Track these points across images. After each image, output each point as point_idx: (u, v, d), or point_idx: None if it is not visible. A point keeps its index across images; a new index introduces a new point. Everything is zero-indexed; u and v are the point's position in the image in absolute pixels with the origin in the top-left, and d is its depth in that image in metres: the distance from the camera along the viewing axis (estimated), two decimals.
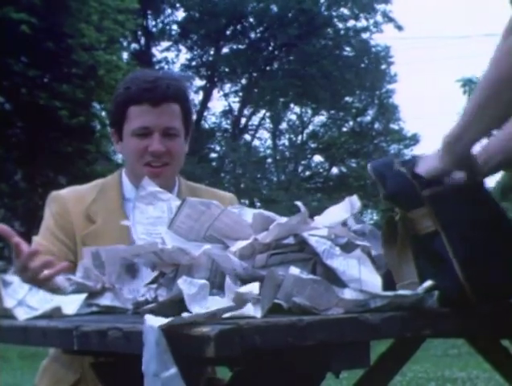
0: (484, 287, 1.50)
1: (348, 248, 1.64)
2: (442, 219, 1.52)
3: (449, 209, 1.52)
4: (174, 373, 1.23)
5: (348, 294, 1.48)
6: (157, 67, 27.23)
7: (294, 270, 1.47)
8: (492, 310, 1.55)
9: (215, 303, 1.40)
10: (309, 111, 30.72)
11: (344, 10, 29.00)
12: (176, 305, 1.47)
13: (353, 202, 1.76)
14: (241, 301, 1.37)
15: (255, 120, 30.40)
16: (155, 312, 1.55)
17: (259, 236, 1.68)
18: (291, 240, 1.65)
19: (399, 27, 28.37)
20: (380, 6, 28.58)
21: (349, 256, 1.57)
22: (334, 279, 1.54)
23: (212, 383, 2.20)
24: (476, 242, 1.52)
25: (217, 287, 1.58)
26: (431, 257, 1.53)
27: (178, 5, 28.66)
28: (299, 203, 1.73)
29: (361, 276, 1.52)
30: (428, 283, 1.46)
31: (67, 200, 2.30)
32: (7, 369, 9.31)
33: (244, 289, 1.43)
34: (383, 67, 29.71)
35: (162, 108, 2.26)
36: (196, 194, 2.38)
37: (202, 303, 1.39)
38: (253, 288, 1.41)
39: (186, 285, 1.42)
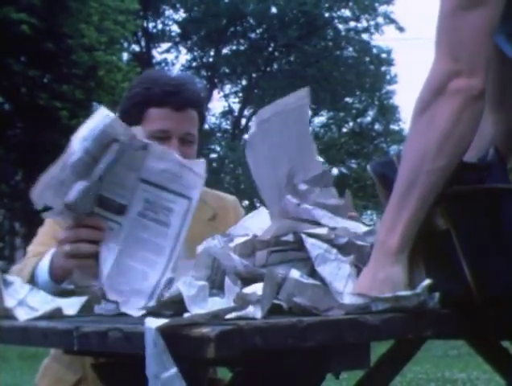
0: (491, 288, 1.50)
1: (348, 248, 1.64)
2: (454, 219, 1.51)
3: (463, 209, 1.52)
4: (174, 373, 1.22)
5: (347, 299, 1.48)
6: (157, 68, 27.22)
7: (294, 273, 1.47)
8: (492, 311, 1.55)
9: (215, 304, 1.40)
10: (309, 111, 30.70)
11: (346, 12, 29.03)
12: (177, 304, 1.47)
13: None
14: (243, 301, 1.37)
15: None
16: (157, 311, 1.55)
17: (258, 233, 1.68)
18: (290, 237, 1.64)
19: (400, 29, 28.42)
20: (381, 8, 28.61)
21: (344, 261, 1.57)
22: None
23: (213, 384, 2.21)
24: (487, 243, 1.51)
25: (218, 287, 1.58)
26: (439, 257, 1.52)
27: (178, 5, 28.66)
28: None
29: (345, 290, 1.51)
30: (427, 281, 1.45)
31: None
32: (7, 369, 9.31)
33: (247, 289, 1.42)
34: (383, 68, 29.73)
35: (183, 113, 2.24)
36: (200, 195, 2.39)
37: (202, 305, 1.39)
38: (257, 289, 1.40)
39: (185, 287, 1.42)
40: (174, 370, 1.22)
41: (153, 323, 1.23)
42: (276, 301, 1.45)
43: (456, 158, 1.51)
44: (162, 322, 1.23)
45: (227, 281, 1.52)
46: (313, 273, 1.57)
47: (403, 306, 1.45)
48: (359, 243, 1.65)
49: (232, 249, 1.65)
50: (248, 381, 1.48)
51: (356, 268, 1.57)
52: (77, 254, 1.79)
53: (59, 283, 1.85)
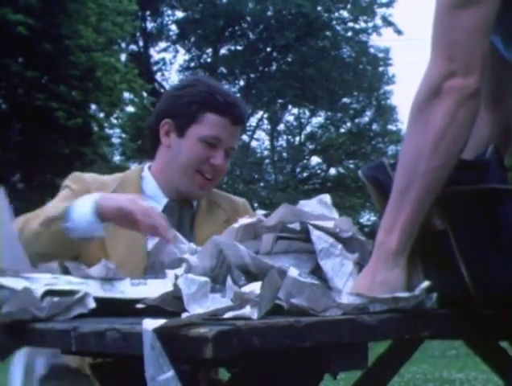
0: (488, 289, 1.49)
1: (351, 243, 1.63)
2: (451, 219, 1.51)
3: (460, 209, 1.51)
4: (170, 376, 1.22)
5: (345, 299, 1.47)
6: (155, 68, 27.24)
7: (293, 272, 1.47)
8: (490, 311, 1.54)
9: (214, 303, 1.39)
10: (307, 112, 30.73)
11: (344, 13, 29.02)
12: (179, 300, 1.46)
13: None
14: (241, 300, 1.36)
15: (253, 121, 30.42)
16: (157, 305, 1.54)
17: (263, 218, 1.68)
18: (296, 226, 1.64)
19: (399, 31, 28.38)
20: (380, 10, 28.59)
21: (348, 258, 1.57)
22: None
23: (213, 384, 2.20)
24: (484, 243, 1.50)
25: (221, 282, 1.57)
26: (437, 257, 1.52)
27: (176, 5, 28.65)
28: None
29: (344, 289, 1.51)
30: (425, 283, 1.45)
31: (90, 184, 2.28)
32: (4, 370, 9.29)
33: (245, 288, 1.42)
34: (381, 68, 29.73)
35: (236, 127, 2.32)
36: (212, 197, 2.41)
37: (202, 302, 1.38)
38: (255, 288, 1.40)
39: (186, 284, 1.41)
40: (171, 373, 1.22)
41: (150, 325, 1.22)
42: (276, 301, 1.44)
43: (451, 158, 1.51)
44: (159, 323, 1.23)
45: (228, 280, 1.51)
46: (317, 267, 1.57)
47: (401, 308, 1.45)
48: (362, 238, 1.65)
49: (235, 231, 1.65)
50: (246, 382, 1.47)
51: (359, 266, 1.57)
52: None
53: (103, 222, 1.99)
